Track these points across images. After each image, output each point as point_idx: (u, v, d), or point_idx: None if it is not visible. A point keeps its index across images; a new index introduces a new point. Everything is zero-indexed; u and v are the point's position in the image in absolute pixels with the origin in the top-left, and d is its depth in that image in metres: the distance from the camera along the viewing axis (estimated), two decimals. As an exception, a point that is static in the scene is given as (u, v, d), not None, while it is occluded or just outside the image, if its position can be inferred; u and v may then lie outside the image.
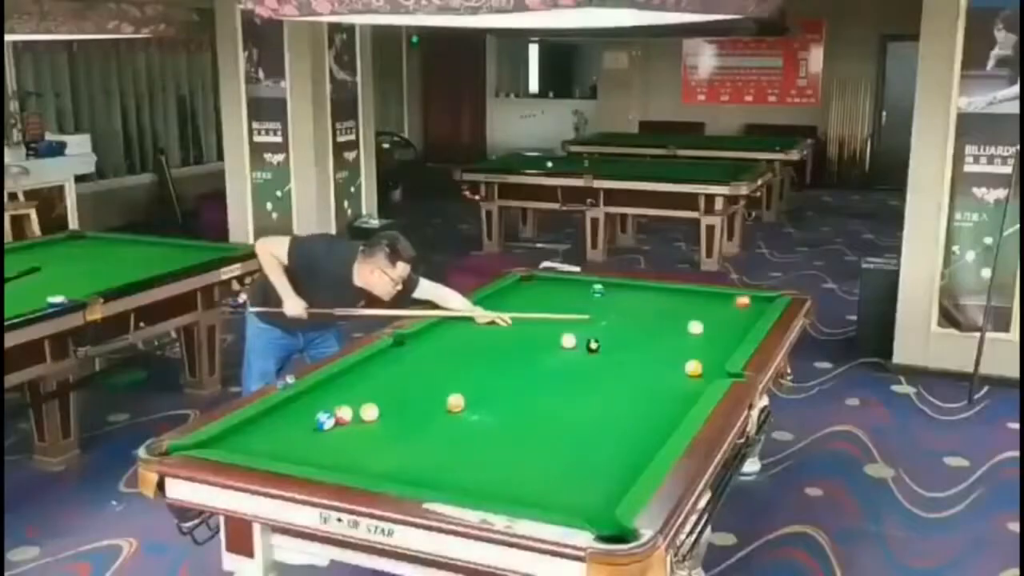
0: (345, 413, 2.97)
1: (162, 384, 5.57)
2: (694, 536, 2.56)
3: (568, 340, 3.74)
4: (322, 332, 4.36)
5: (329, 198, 7.42)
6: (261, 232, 7.40)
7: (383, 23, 4.42)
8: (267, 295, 4.20)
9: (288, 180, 7.35)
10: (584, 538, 2.16)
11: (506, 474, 2.66)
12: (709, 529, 2.77)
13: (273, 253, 4.10)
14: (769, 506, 4.21)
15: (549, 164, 9.72)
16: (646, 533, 2.18)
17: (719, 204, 8.26)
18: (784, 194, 11.20)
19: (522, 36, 14.49)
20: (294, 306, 4.08)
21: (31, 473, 4.50)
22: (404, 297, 4.16)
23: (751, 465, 4.38)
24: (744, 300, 4.40)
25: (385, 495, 2.40)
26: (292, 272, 4.09)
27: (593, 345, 3.67)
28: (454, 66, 15.03)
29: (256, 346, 4.33)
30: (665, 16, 2.68)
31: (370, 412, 2.99)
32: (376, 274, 3.94)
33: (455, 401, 3.08)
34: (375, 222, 7.78)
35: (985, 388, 5.47)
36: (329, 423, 2.92)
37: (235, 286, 5.38)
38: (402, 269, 3.95)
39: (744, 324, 3.98)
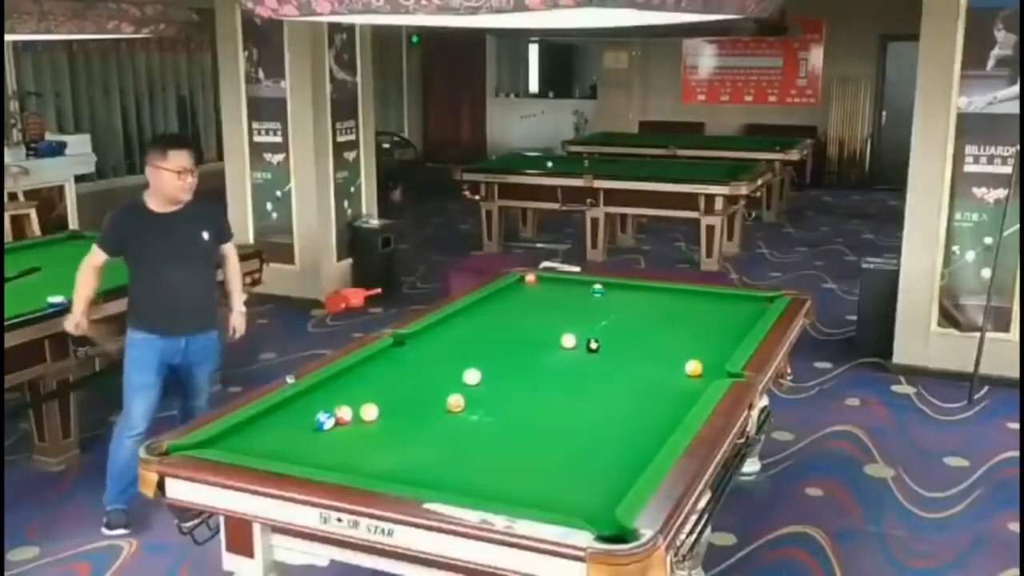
0: (345, 413, 2.97)
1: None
2: (694, 536, 2.57)
3: (568, 340, 3.74)
4: (205, 332, 4.04)
5: (329, 198, 7.42)
6: (261, 232, 7.42)
7: (383, 23, 4.42)
8: (135, 305, 3.99)
9: (288, 180, 7.35)
10: (584, 538, 2.16)
11: (506, 474, 2.66)
12: (709, 529, 2.77)
13: (88, 264, 3.94)
14: (769, 506, 4.21)
15: (549, 164, 9.73)
16: (646, 533, 2.18)
17: (719, 204, 8.26)
18: (784, 194, 11.20)
19: (522, 36, 14.50)
20: (70, 320, 3.95)
21: (31, 473, 4.50)
22: (212, 220, 4.08)
23: (751, 465, 4.38)
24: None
25: (385, 495, 2.40)
26: (126, 262, 3.92)
27: (593, 345, 3.67)
28: (454, 66, 15.03)
29: (135, 356, 3.95)
30: (665, 16, 2.68)
31: (370, 412, 2.99)
32: (153, 174, 3.79)
33: (455, 401, 3.08)
34: (375, 222, 7.79)
35: (985, 388, 5.47)
36: (329, 423, 2.92)
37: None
38: (176, 157, 3.78)
39: (744, 324, 3.98)
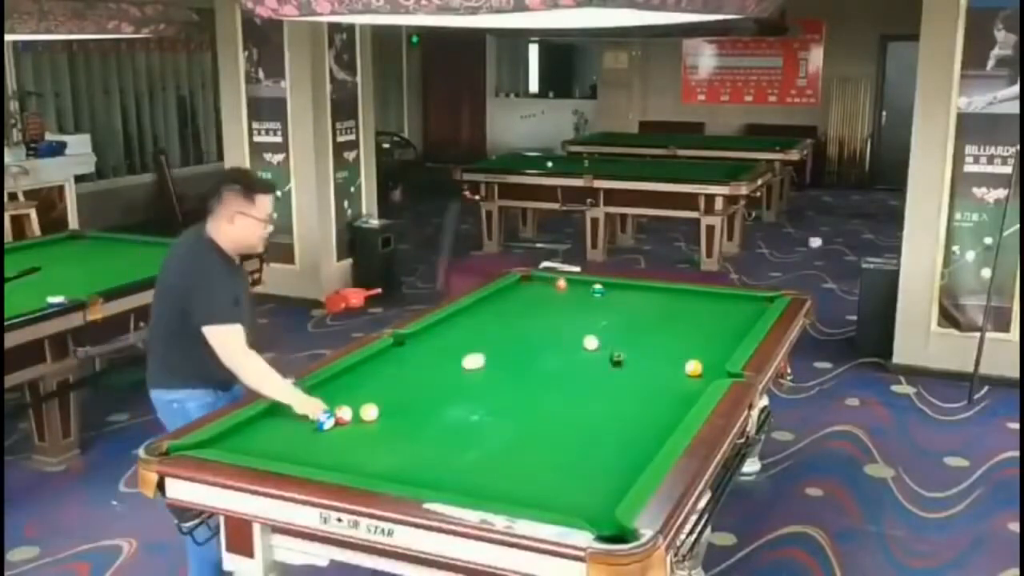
0: (345, 413, 2.97)
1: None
2: (694, 536, 2.56)
3: (591, 342, 3.69)
4: None
5: (329, 198, 7.42)
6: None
7: (383, 23, 4.42)
8: (174, 365, 3.30)
9: (288, 180, 7.35)
10: (584, 538, 2.16)
11: (506, 474, 2.66)
12: (709, 529, 2.77)
13: (244, 351, 3.16)
14: (769, 506, 4.21)
15: (549, 164, 9.72)
16: (646, 533, 2.17)
17: (719, 204, 8.26)
18: (784, 194, 11.20)
19: (522, 36, 14.49)
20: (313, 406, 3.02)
21: (31, 473, 4.50)
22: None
23: (751, 465, 4.38)
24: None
25: (385, 495, 2.40)
26: (184, 336, 3.19)
27: (618, 357, 3.49)
28: (454, 66, 15.03)
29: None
30: (665, 16, 2.68)
31: (370, 412, 2.99)
32: (237, 222, 3.23)
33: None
34: (375, 222, 7.79)
35: (985, 388, 5.47)
36: (329, 423, 2.92)
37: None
38: (262, 202, 3.26)
39: (744, 324, 3.98)
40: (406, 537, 2.32)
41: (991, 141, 5.45)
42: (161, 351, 3.35)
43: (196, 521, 2.75)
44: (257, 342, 3.32)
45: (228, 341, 3.16)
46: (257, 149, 7.40)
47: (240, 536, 2.71)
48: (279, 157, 7.34)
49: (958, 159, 5.55)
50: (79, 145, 8.88)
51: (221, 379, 3.28)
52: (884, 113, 13.18)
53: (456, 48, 14.47)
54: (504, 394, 3.30)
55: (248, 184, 3.30)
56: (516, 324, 4.17)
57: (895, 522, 4.06)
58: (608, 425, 3.02)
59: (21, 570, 3.68)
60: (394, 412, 3.05)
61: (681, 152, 10.66)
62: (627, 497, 2.37)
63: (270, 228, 3.33)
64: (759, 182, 8.91)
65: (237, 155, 7.48)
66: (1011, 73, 5.35)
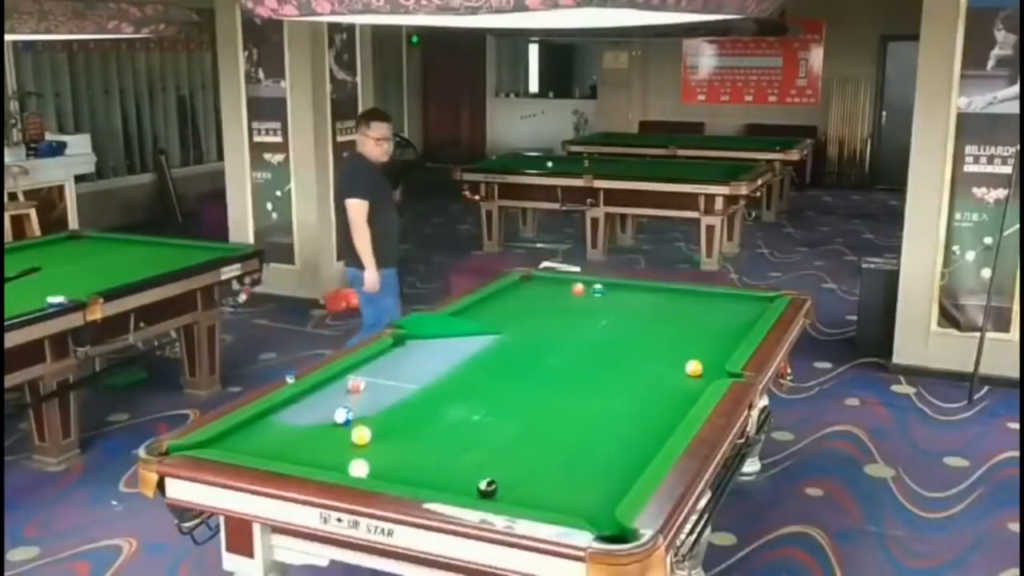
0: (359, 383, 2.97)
1: (162, 384, 5.58)
2: (694, 536, 2.56)
3: (358, 468, 2.61)
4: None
5: (329, 198, 7.40)
6: (261, 232, 7.42)
7: (383, 23, 4.43)
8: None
9: (288, 180, 7.35)
10: (584, 538, 2.16)
11: (506, 474, 2.65)
12: (709, 529, 2.77)
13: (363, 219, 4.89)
14: (769, 506, 4.21)
15: (549, 164, 9.72)
16: (646, 533, 2.18)
17: (719, 204, 8.26)
18: (784, 194, 11.20)
19: (522, 36, 14.49)
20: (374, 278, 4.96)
21: (31, 473, 4.50)
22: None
23: (751, 465, 4.38)
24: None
25: (385, 495, 2.40)
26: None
27: (487, 488, 2.45)
28: (454, 66, 15.03)
29: (387, 283, 5.02)
30: (665, 16, 2.68)
31: (363, 435, 2.84)
32: (367, 144, 4.94)
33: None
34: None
35: (985, 388, 5.47)
36: (343, 416, 2.93)
37: (235, 286, 5.39)
38: (378, 128, 4.94)
39: (744, 324, 3.98)
40: (406, 537, 2.32)
41: (991, 141, 5.45)
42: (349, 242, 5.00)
43: (196, 521, 2.75)
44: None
45: (356, 209, 4.91)
46: (257, 149, 7.40)
47: (240, 536, 2.71)
48: (279, 157, 7.34)
49: (958, 159, 5.54)
50: (79, 145, 8.87)
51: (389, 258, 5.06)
52: (884, 113, 13.18)
53: (456, 48, 14.47)
54: (505, 394, 3.30)
55: (366, 114, 5.11)
56: (516, 324, 4.17)
57: (895, 522, 4.06)
58: (608, 425, 3.03)
59: (21, 570, 3.68)
60: (394, 412, 3.05)
61: (681, 152, 10.65)
62: (627, 497, 2.37)
63: (386, 145, 5.03)
64: (759, 182, 8.91)
65: (237, 155, 7.49)
66: (1011, 73, 5.35)
